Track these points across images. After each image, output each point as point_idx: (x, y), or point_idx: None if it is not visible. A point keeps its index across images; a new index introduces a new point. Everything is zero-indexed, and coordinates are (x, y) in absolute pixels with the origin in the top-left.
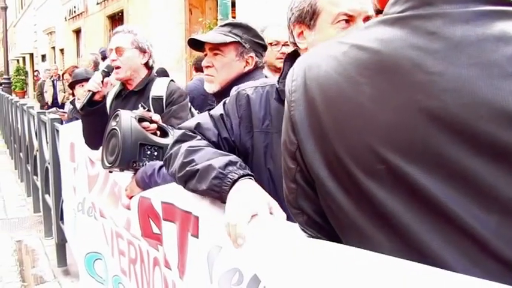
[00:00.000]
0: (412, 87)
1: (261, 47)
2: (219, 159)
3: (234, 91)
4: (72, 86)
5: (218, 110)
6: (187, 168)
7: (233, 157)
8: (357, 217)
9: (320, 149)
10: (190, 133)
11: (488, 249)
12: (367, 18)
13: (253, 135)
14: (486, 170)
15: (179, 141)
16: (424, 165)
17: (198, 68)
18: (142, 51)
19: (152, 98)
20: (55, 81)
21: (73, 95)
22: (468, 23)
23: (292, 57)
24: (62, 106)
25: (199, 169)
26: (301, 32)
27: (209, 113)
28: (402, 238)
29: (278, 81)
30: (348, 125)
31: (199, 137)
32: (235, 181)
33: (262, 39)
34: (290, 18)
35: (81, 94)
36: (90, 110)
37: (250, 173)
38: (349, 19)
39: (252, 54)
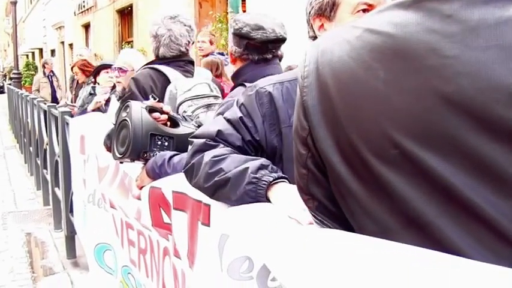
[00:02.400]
0: (427, 71)
1: (244, 39)
2: (249, 164)
3: (250, 91)
4: (98, 71)
5: (234, 112)
6: (216, 179)
7: (263, 160)
8: (368, 202)
9: (332, 134)
10: (212, 142)
11: (502, 234)
12: None
13: (280, 132)
14: (502, 155)
15: (200, 150)
16: (438, 149)
17: None
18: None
19: None
20: (50, 77)
21: (95, 82)
22: (486, 4)
23: None
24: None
25: (230, 177)
26: (322, 25)
27: (225, 118)
28: (414, 223)
29: None
30: (360, 109)
31: (221, 145)
32: (270, 184)
33: (245, 33)
34: (310, 12)
35: (104, 80)
36: None
37: (283, 175)
38: (369, 8)
39: (234, 48)
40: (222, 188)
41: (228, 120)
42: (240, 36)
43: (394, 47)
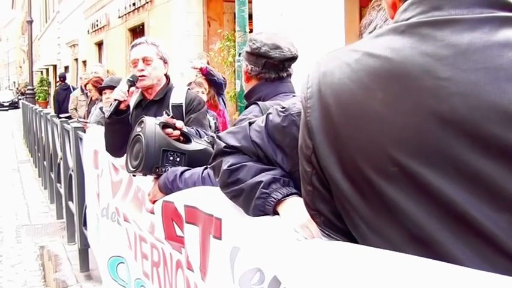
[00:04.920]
0: (422, 92)
1: (262, 58)
2: (263, 178)
3: (282, 112)
4: (100, 92)
5: (259, 131)
6: (233, 188)
7: (276, 172)
8: (371, 217)
9: (335, 152)
10: (229, 150)
11: (500, 247)
12: None
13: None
14: (495, 171)
15: (219, 155)
16: (436, 166)
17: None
18: (165, 62)
19: (172, 105)
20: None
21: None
22: (474, 30)
23: None
24: None
25: (244, 189)
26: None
27: (251, 137)
28: (416, 237)
29: None
30: (361, 128)
31: (241, 153)
32: (280, 200)
33: (261, 52)
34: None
35: (105, 100)
36: (116, 118)
37: (294, 190)
38: None
39: (249, 67)
40: (237, 197)
41: (253, 141)
42: (257, 55)
43: (391, 69)
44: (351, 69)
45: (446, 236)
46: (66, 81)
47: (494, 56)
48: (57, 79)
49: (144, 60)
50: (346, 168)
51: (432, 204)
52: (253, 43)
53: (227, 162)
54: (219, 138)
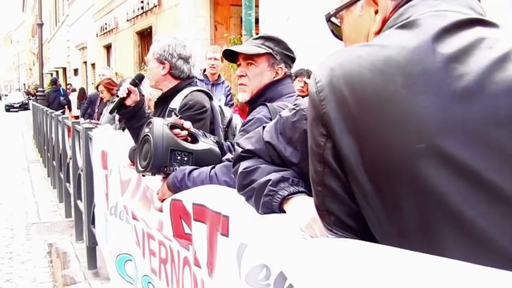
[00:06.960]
0: (441, 72)
1: (289, 59)
2: (272, 176)
3: (293, 108)
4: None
5: (270, 130)
6: (247, 189)
7: (287, 173)
8: (389, 208)
9: (355, 140)
10: (245, 154)
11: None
12: None
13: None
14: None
15: (237, 160)
16: (463, 142)
17: None
18: (160, 62)
19: (168, 109)
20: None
21: None
22: (473, 27)
23: None
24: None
25: (255, 188)
26: None
27: (263, 138)
28: (456, 221)
29: None
30: (381, 113)
31: (256, 157)
32: (286, 197)
33: (291, 52)
34: None
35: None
36: (119, 113)
37: (302, 189)
38: None
39: (282, 65)
40: (251, 198)
41: (263, 139)
42: (287, 54)
43: (408, 55)
44: (363, 59)
45: (488, 221)
46: (56, 85)
47: (498, 50)
48: (67, 81)
49: (147, 60)
50: (367, 155)
51: (465, 182)
52: (286, 43)
53: (243, 166)
54: (238, 144)
